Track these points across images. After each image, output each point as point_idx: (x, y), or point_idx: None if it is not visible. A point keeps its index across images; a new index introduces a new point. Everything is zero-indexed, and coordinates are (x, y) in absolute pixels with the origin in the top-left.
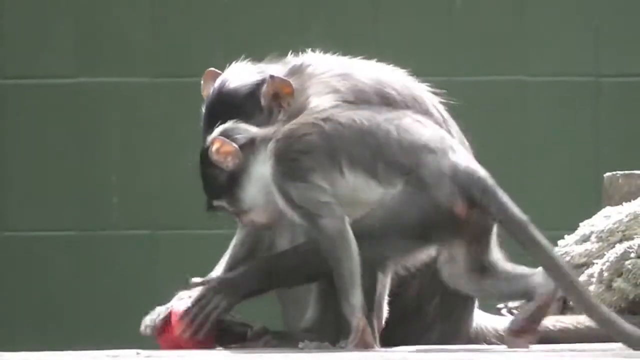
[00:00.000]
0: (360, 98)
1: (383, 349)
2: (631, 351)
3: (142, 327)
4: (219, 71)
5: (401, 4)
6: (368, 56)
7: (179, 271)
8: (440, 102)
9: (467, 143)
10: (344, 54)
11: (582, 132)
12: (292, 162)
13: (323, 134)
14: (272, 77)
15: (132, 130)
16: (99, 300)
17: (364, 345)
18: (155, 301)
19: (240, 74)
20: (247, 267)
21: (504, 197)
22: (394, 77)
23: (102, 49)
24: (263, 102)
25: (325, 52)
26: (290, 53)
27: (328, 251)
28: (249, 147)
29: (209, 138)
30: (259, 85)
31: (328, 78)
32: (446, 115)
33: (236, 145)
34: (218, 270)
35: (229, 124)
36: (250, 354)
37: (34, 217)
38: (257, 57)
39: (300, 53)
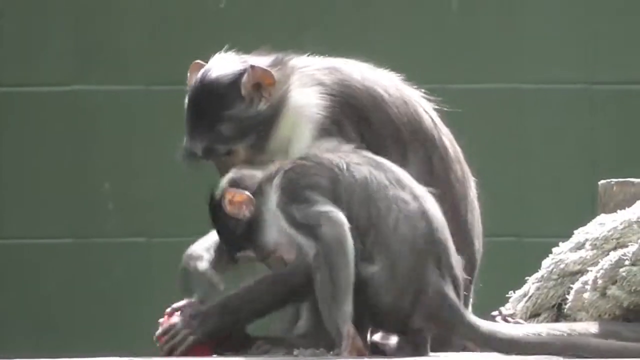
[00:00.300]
0: (346, 93)
1: (375, 356)
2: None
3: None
4: (205, 63)
5: (396, 11)
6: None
7: (174, 278)
8: (434, 109)
9: (458, 149)
10: None
11: (577, 139)
12: (298, 191)
13: (333, 180)
14: (252, 67)
15: (127, 138)
16: (93, 307)
17: (356, 353)
18: (150, 308)
19: (222, 64)
20: (220, 302)
21: (470, 322)
22: (385, 78)
23: (97, 57)
24: (243, 91)
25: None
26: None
27: (325, 258)
28: (258, 190)
29: (217, 192)
30: (240, 75)
31: (313, 71)
32: (438, 121)
33: (248, 193)
34: (203, 243)
35: (233, 174)
36: None
37: (29, 224)
38: None
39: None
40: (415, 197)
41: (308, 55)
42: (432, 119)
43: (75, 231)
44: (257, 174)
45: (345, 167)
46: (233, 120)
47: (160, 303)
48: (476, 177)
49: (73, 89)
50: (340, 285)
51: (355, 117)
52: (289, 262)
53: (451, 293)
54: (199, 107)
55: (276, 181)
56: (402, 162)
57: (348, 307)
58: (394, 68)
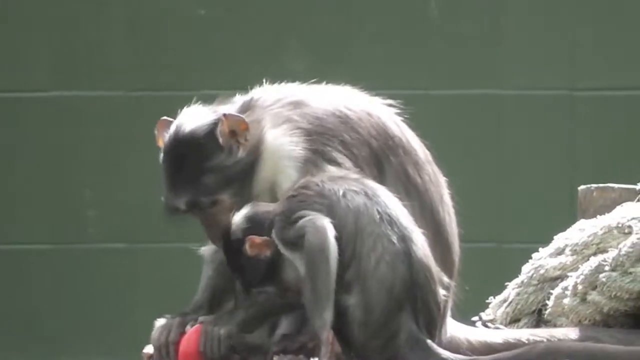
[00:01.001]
0: (316, 123)
1: None
2: None
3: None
4: (172, 119)
5: (377, 19)
6: (344, 71)
7: (156, 284)
8: (397, 114)
9: (427, 151)
10: (320, 68)
11: (557, 145)
12: (294, 215)
13: (330, 210)
14: (225, 115)
15: (107, 144)
16: (75, 313)
17: (336, 357)
18: (132, 313)
19: (193, 117)
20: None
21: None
22: (345, 95)
23: (77, 63)
24: (221, 141)
25: (301, 64)
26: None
27: (307, 265)
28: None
29: (236, 229)
30: (215, 124)
31: (279, 109)
32: (403, 125)
33: (266, 237)
34: (198, 299)
35: (248, 211)
36: None
37: (9, 230)
38: (233, 70)
39: (274, 67)
40: (403, 237)
41: (263, 86)
42: (397, 125)
43: (56, 237)
44: (271, 208)
45: (341, 194)
46: (215, 170)
47: (142, 308)
48: (455, 181)
49: (53, 95)
50: (320, 292)
51: (334, 142)
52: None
53: (424, 337)
54: (178, 162)
55: (278, 208)
56: (379, 174)
57: (328, 315)
58: (375, 74)
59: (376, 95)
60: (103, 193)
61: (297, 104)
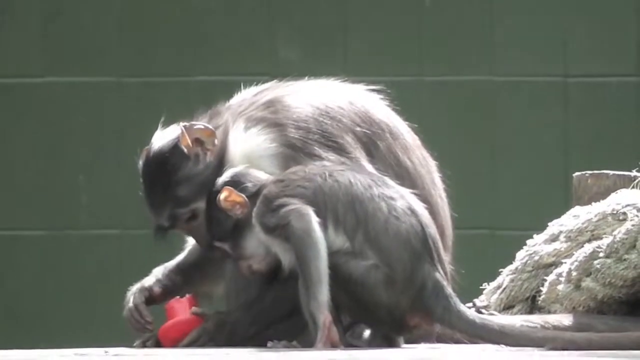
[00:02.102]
0: (291, 119)
1: (350, 348)
2: (601, 351)
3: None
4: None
5: (370, 6)
6: (336, 57)
7: (147, 270)
8: (384, 99)
9: (415, 135)
10: (312, 55)
11: (551, 132)
12: (276, 200)
13: (315, 189)
14: (185, 126)
15: (100, 130)
16: (67, 299)
17: (331, 343)
18: (123, 299)
19: (161, 136)
20: (240, 313)
21: (464, 314)
22: (324, 89)
23: (69, 49)
24: (186, 150)
25: (293, 51)
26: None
27: (296, 251)
28: (257, 195)
29: (219, 182)
30: (177, 138)
31: (253, 111)
32: (389, 111)
33: (244, 197)
34: (167, 267)
35: (240, 169)
36: (215, 350)
37: (2, 216)
38: (226, 56)
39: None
40: (402, 195)
41: (246, 88)
42: (383, 110)
43: (48, 223)
44: (262, 177)
45: (327, 175)
46: (186, 180)
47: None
48: (449, 169)
49: (45, 81)
50: (312, 276)
51: (313, 136)
52: (257, 272)
53: (446, 285)
54: (152, 181)
55: (262, 189)
56: (369, 159)
57: (323, 297)
58: (368, 61)
59: (369, 82)
60: (96, 179)
61: (271, 103)
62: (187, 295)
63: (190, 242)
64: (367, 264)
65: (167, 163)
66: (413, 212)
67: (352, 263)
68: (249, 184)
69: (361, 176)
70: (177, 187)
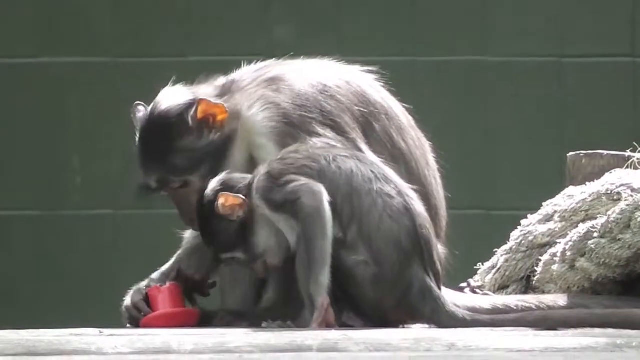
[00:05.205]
0: (291, 97)
1: (345, 328)
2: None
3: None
4: (145, 105)
5: None
6: (330, 38)
7: (141, 251)
8: (379, 80)
9: (409, 116)
10: (306, 35)
11: (545, 112)
12: (282, 176)
13: (321, 173)
14: (201, 100)
15: (94, 110)
16: (60, 279)
17: (326, 324)
18: (117, 280)
19: (170, 98)
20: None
21: (455, 314)
22: (323, 68)
23: (63, 29)
24: (191, 123)
25: (288, 31)
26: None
27: (303, 228)
28: (249, 192)
29: (209, 192)
30: (187, 107)
31: (255, 88)
32: (384, 92)
33: (242, 196)
34: (162, 272)
35: (223, 176)
36: (211, 330)
37: None
38: (220, 36)
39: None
40: (400, 193)
41: (246, 66)
42: (378, 91)
43: (42, 203)
44: (247, 177)
45: (331, 158)
46: (184, 151)
47: (126, 275)
48: (444, 149)
49: (40, 61)
50: (315, 255)
51: (313, 113)
52: (272, 269)
53: (435, 288)
54: (149, 140)
55: (264, 167)
56: (365, 139)
57: (324, 279)
58: (362, 41)
59: (363, 62)
60: (90, 159)
61: (272, 80)
62: (169, 283)
63: (186, 240)
64: (357, 259)
65: (170, 129)
66: (408, 211)
67: (343, 254)
68: (239, 185)
69: (363, 167)
70: (175, 156)
